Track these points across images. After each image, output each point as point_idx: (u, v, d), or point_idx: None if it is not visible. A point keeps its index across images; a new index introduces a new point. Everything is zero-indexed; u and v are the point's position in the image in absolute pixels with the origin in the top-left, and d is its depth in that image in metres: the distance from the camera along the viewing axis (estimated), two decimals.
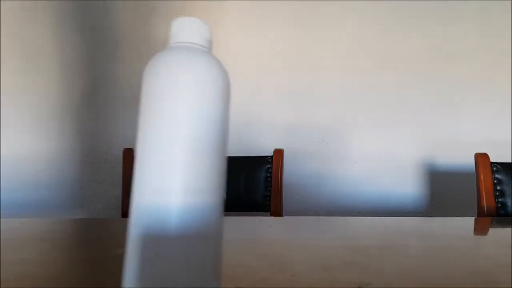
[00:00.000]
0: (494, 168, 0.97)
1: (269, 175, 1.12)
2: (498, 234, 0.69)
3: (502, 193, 0.95)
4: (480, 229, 0.76)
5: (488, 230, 0.75)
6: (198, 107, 0.33)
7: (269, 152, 1.17)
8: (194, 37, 0.36)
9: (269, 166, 1.13)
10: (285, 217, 1.10)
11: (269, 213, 1.09)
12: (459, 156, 1.38)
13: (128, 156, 1.22)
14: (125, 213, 1.16)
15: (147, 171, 0.32)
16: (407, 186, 1.42)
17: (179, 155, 0.32)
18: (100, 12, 1.43)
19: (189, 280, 0.32)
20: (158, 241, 0.32)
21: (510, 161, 1.04)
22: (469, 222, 0.82)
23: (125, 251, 0.32)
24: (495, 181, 0.96)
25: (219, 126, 0.34)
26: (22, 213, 1.39)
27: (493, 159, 0.99)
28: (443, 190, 1.41)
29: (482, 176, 0.95)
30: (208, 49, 0.37)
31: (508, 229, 0.71)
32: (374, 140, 1.41)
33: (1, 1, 1.40)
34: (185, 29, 0.36)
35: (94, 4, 1.42)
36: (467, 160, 1.28)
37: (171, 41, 0.36)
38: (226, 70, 0.37)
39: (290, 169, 1.34)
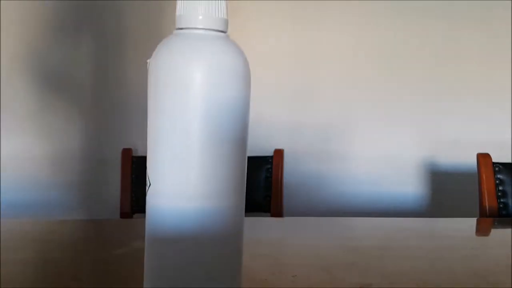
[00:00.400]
0: (496, 169, 0.96)
1: (269, 175, 1.12)
2: (500, 235, 0.69)
3: (504, 194, 0.95)
4: (482, 230, 0.75)
5: (490, 231, 0.75)
6: (214, 102, 0.30)
7: (270, 152, 1.16)
8: (205, 18, 0.31)
9: (270, 166, 1.13)
10: (285, 218, 1.10)
11: (269, 214, 1.09)
12: (461, 156, 1.37)
13: (127, 156, 1.21)
14: (124, 214, 1.16)
15: (162, 174, 0.31)
16: (408, 186, 1.41)
17: (195, 156, 0.30)
18: (101, 12, 1.43)
19: (208, 283, 0.31)
20: (176, 244, 0.31)
21: None
22: (471, 222, 0.81)
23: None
24: (497, 182, 0.95)
25: (239, 121, 0.31)
26: (21, 214, 1.39)
27: (495, 159, 0.98)
28: (444, 191, 1.40)
29: (484, 177, 0.95)
30: (223, 31, 0.32)
31: (510, 230, 0.71)
32: (375, 140, 1.41)
33: (1, 1, 1.39)
34: (194, 8, 0.31)
35: (95, 3, 1.42)
36: (468, 160, 1.27)
37: (178, 23, 0.32)
38: (245, 54, 0.32)
39: (290, 169, 1.34)
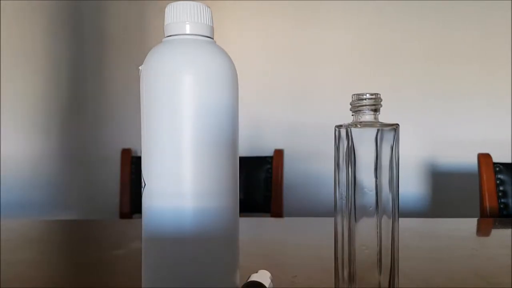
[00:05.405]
0: (497, 169, 0.96)
1: (269, 175, 1.12)
2: (501, 235, 0.68)
3: (504, 194, 0.94)
4: (482, 230, 0.75)
5: (490, 231, 0.75)
6: (203, 104, 0.31)
7: (270, 152, 1.16)
8: (193, 25, 0.32)
9: (269, 166, 1.12)
10: (285, 218, 1.09)
11: (269, 214, 1.09)
12: (461, 156, 1.37)
13: (126, 156, 1.21)
14: (123, 214, 1.16)
15: (158, 175, 0.31)
16: (409, 186, 1.41)
17: (187, 158, 0.31)
18: (100, 13, 1.43)
19: (205, 281, 0.31)
20: (173, 244, 0.31)
21: None
22: (471, 223, 0.81)
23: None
24: (497, 182, 0.95)
25: (228, 122, 0.32)
26: (19, 214, 1.39)
27: (495, 159, 0.98)
28: (445, 191, 1.40)
29: (484, 177, 0.95)
30: (210, 37, 0.34)
31: (510, 230, 0.70)
32: None
33: (1, 1, 1.39)
34: (181, 17, 0.32)
35: (89, 4, 1.42)
36: (469, 160, 1.27)
37: (167, 31, 0.33)
38: (231, 59, 0.34)
39: (290, 169, 1.34)
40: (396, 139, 0.33)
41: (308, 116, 1.41)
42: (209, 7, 0.34)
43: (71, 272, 0.48)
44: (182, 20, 0.32)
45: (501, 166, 0.96)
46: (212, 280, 0.32)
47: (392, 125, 0.34)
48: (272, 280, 0.36)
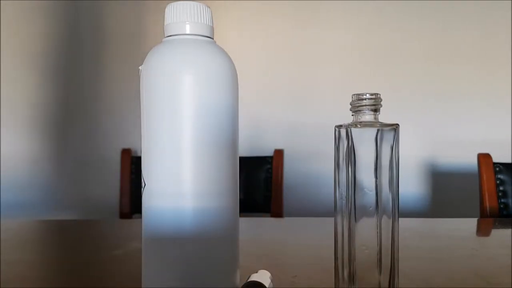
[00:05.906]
0: (497, 169, 0.96)
1: (269, 175, 1.12)
2: (501, 235, 0.68)
3: (504, 194, 0.94)
4: (482, 230, 0.75)
5: (490, 231, 0.75)
6: (203, 104, 0.31)
7: (270, 152, 1.16)
8: (193, 25, 0.33)
9: (269, 166, 1.12)
10: (285, 218, 1.10)
11: (269, 214, 1.09)
12: (461, 156, 1.37)
13: (126, 157, 1.21)
14: (123, 214, 1.16)
15: (158, 175, 0.32)
16: (409, 186, 1.41)
17: (187, 157, 0.31)
18: (100, 14, 1.43)
19: (205, 281, 0.32)
20: (173, 244, 0.31)
21: None
22: (471, 223, 0.81)
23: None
24: (497, 182, 0.95)
25: (228, 122, 0.33)
26: (19, 214, 1.39)
27: (495, 159, 0.98)
28: (445, 191, 1.40)
29: (484, 177, 0.95)
30: (210, 37, 0.34)
31: (510, 230, 0.70)
32: None
33: (1, 1, 1.39)
34: (181, 17, 0.32)
35: (89, 4, 1.42)
36: (469, 160, 1.27)
37: (167, 31, 0.33)
38: (231, 59, 0.34)
39: (290, 169, 1.34)
40: (396, 139, 0.33)
41: (308, 116, 1.41)
42: (209, 7, 0.34)
43: (71, 272, 0.48)
44: (182, 20, 0.32)
45: (501, 166, 0.96)
46: (212, 280, 0.32)
47: (392, 125, 0.34)
48: (272, 280, 0.36)
